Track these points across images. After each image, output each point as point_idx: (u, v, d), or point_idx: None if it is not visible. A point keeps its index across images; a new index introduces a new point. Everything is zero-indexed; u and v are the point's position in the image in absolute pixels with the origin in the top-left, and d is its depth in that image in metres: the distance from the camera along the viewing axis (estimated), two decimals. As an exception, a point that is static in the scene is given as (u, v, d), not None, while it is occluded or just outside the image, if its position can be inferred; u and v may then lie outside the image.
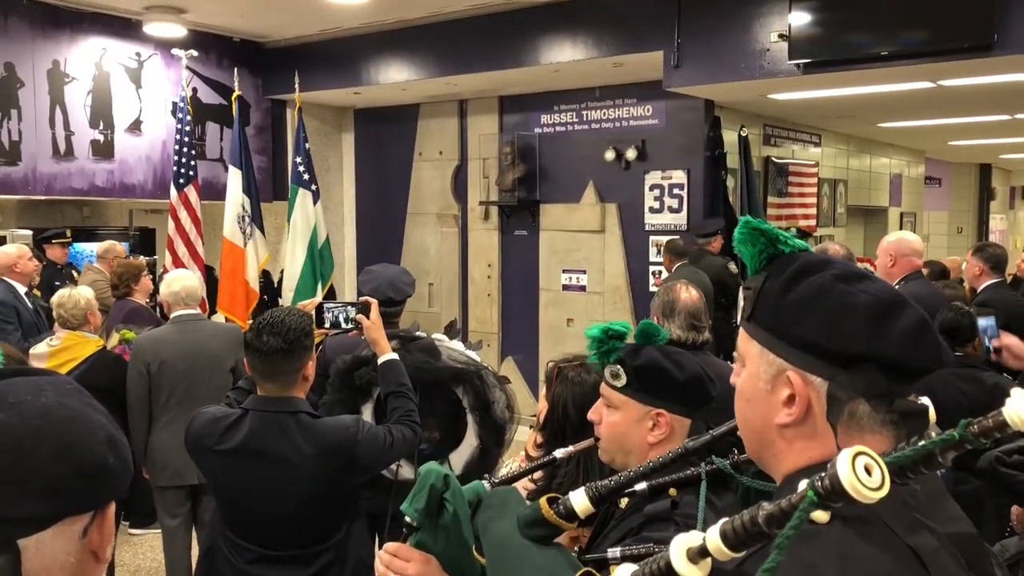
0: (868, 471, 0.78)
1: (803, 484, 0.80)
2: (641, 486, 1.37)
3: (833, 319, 0.97)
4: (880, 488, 0.78)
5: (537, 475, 1.93)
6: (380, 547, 3.40)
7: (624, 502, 1.45)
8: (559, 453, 1.55)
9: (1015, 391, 0.80)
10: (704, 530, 0.83)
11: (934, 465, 0.84)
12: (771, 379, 1.00)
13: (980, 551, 1.04)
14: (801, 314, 0.98)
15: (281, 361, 2.35)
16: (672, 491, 1.37)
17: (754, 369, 1.02)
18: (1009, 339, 3.10)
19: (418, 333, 3.36)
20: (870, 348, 0.95)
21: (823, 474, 0.79)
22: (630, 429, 1.55)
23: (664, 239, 7.21)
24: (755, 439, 1.03)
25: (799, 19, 5.63)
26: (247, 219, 6.89)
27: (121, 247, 6.45)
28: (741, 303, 1.01)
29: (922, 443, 0.84)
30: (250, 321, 5.94)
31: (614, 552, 1.26)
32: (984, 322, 3.07)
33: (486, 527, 1.28)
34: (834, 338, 0.96)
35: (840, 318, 0.96)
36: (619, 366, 1.57)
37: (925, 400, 1.02)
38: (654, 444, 1.53)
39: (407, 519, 1.31)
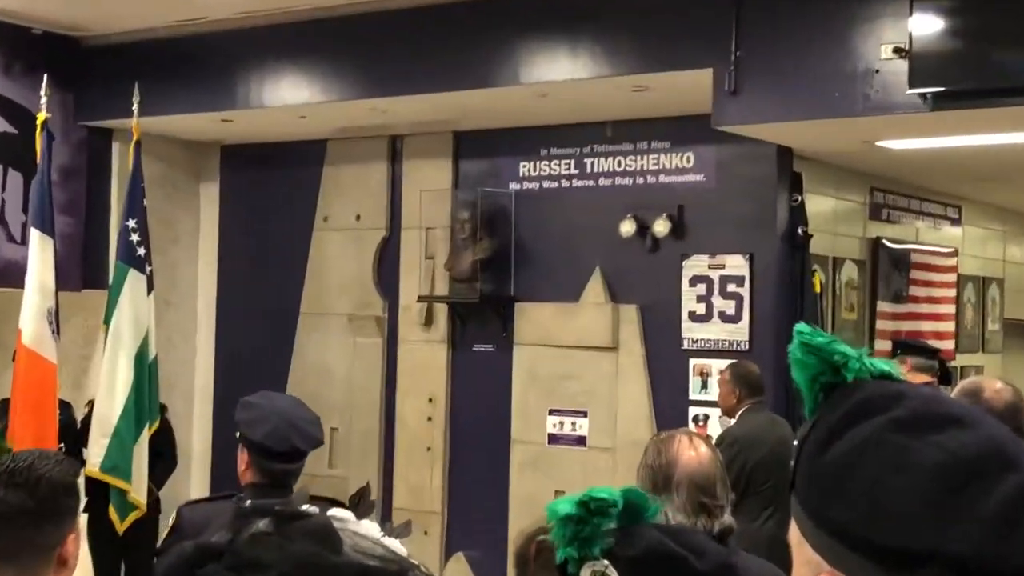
0: None
1: None
2: None
3: (875, 493, 1.02)
4: None
5: None
6: None
7: None
8: None
9: None
10: None
11: None
12: None
13: None
14: (837, 484, 1.05)
15: (25, 529, 2.36)
16: None
17: (797, 567, 1.10)
18: None
19: (306, 508, 3.30)
20: (932, 541, 0.98)
21: None
22: None
23: (715, 363, 7.16)
24: None
25: (926, 25, 5.71)
26: (54, 316, 6.73)
27: None
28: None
29: None
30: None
31: None
32: None
33: None
34: (874, 524, 1.01)
35: (886, 492, 1.01)
36: (607, 562, 1.54)
37: None
38: None
39: None
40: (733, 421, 6.53)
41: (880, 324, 8.27)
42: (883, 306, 8.29)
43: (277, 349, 8.90)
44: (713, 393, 7.07)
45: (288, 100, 7.80)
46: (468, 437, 8.23)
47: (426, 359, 8.36)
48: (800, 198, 7.32)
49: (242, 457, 3.86)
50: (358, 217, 8.68)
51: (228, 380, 9.14)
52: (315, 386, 8.52)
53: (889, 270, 8.33)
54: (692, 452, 3.14)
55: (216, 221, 9.34)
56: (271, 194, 9.04)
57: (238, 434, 3.79)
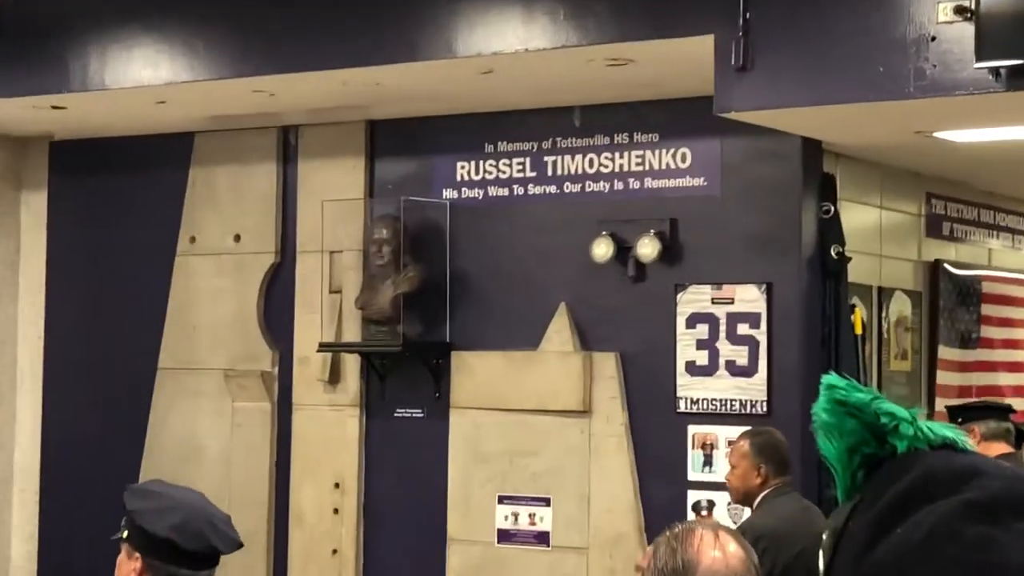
0: None
1: None
2: None
3: None
4: None
5: None
6: None
7: None
8: None
9: None
10: None
11: None
12: None
13: None
14: None
15: None
16: None
17: None
18: None
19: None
20: None
21: None
22: None
23: (722, 432, 7.21)
24: None
25: (997, -22, 5.76)
26: None
27: None
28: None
29: None
30: None
31: None
32: None
33: None
34: None
35: None
36: None
37: None
38: None
39: None
40: (750, 509, 6.48)
41: (942, 377, 8.29)
42: (946, 352, 8.30)
43: (127, 418, 8.84)
44: (720, 471, 7.07)
45: (141, 79, 7.73)
46: (389, 535, 8.18)
47: (331, 430, 8.33)
48: (833, 209, 7.35)
49: (130, 564, 3.81)
50: (237, 237, 8.66)
51: (59, 460, 9.06)
52: (179, 467, 8.45)
53: (954, 304, 8.36)
54: (718, 552, 3.14)
55: (43, 244, 9.27)
56: (118, 206, 8.99)
57: (125, 532, 3.77)
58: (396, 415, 8.21)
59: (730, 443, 6.81)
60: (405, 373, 8.14)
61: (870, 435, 1.14)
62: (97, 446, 8.76)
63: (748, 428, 6.81)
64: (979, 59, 5.81)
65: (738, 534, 3.40)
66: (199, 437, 8.73)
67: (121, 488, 4.09)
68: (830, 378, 1.18)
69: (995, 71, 5.87)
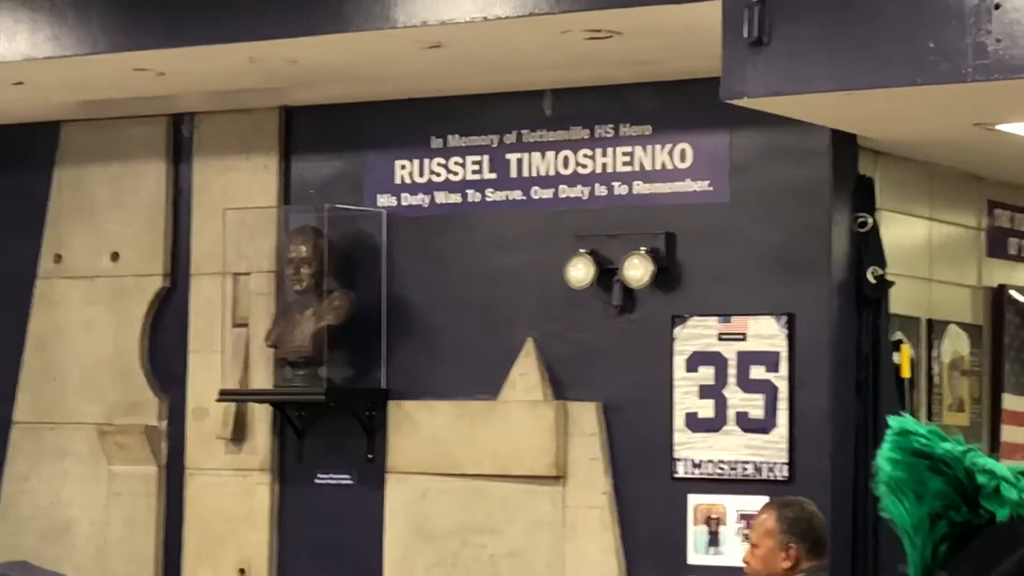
0: None
1: None
2: None
3: None
4: None
5: None
6: None
7: None
8: None
9: None
10: None
11: None
12: None
13: None
14: None
15: None
16: None
17: None
18: None
19: None
20: None
21: None
22: None
23: (731, 503, 7.21)
24: None
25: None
26: None
27: None
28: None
29: None
30: None
31: None
32: None
33: None
34: None
35: None
36: None
37: None
38: None
39: None
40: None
41: (1008, 433, 8.31)
42: (1012, 402, 8.32)
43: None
44: (729, 553, 7.14)
45: (-6, 54, 7.68)
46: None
47: (235, 500, 8.31)
48: (871, 220, 7.38)
49: None
50: (115, 256, 8.64)
51: None
52: (41, 546, 8.45)
53: (1022, 342, 8.37)
54: None
55: None
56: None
57: None
58: (318, 481, 8.21)
59: (742, 517, 6.92)
60: (329, 428, 8.15)
61: (959, 497, 1.13)
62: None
63: (774, 498, 6.79)
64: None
65: None
66: (66, 508, 8.71)
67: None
68: (903, 421, 1.18)
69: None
